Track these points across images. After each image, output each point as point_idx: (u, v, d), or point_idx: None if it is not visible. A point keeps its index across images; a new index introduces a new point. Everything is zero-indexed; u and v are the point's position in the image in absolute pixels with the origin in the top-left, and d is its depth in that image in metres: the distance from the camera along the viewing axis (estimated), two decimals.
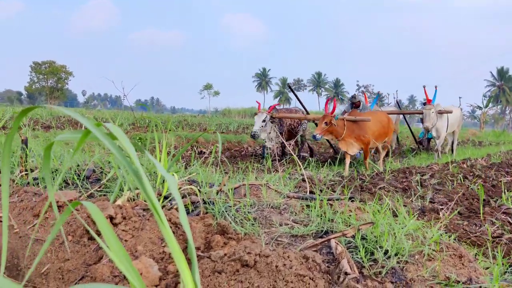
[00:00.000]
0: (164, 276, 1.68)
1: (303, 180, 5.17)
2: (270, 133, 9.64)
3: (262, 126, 9.27)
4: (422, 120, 10.80)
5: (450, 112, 10.56)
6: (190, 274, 0.80)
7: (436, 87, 10.91)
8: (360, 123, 8.16)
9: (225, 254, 1.64)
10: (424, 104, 10.69)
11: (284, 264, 1.56)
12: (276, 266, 1.54)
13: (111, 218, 1.96)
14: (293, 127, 10.21)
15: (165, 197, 2.36)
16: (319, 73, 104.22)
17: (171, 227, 1.99)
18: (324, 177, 6.31)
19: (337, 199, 2.52)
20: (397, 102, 15.47)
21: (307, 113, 9.69)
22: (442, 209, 4.17)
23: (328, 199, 2.38)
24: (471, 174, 6.42)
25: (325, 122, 7.78)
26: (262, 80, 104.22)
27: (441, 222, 2.34)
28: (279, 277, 1.52)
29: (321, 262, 1.60)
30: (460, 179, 5.87)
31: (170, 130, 12.63)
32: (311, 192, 3.28)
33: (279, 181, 3.36)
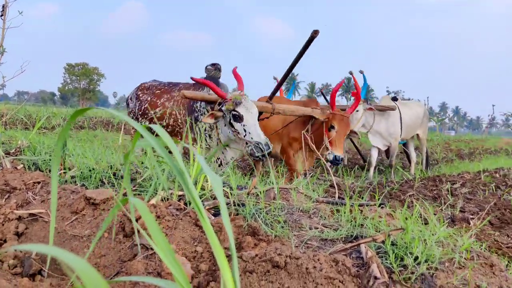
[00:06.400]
0: (196, 274, 1.74)
1: (331, 186, 5.18)
2: None
3: None
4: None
5: (393, 109, 7.65)
6: (230, 271, 0.84)
7: (362, 72, 7.69)
8: None
9: (256, 255, 1.67)
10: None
11: (314, 267, 1.58)
12: (307, 268, 1.57)
13: None
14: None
15: None
16: (348, 78, 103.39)
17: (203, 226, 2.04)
18: (352, 183, 6.30)
19: (367, 205, 2.53)
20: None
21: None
22: (473, 218, 4.11)
23: (359, 205, 2.40)
24: (504, 184, 6.28)
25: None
26: (290, 84, 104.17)
27: (471, 231, 2.32)
28: (309, 279, 1.55)
29: (351, 266, 1.62)
30: (492, 189, 5.75)
31: None
32: (340, 197, 3.29)
33: (307, 186, 3.38)
